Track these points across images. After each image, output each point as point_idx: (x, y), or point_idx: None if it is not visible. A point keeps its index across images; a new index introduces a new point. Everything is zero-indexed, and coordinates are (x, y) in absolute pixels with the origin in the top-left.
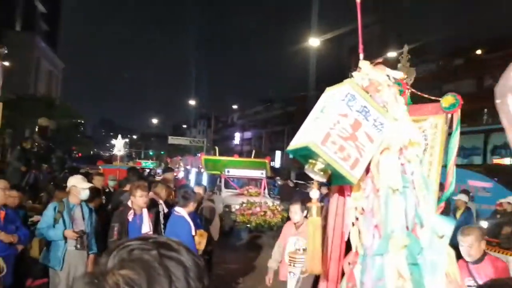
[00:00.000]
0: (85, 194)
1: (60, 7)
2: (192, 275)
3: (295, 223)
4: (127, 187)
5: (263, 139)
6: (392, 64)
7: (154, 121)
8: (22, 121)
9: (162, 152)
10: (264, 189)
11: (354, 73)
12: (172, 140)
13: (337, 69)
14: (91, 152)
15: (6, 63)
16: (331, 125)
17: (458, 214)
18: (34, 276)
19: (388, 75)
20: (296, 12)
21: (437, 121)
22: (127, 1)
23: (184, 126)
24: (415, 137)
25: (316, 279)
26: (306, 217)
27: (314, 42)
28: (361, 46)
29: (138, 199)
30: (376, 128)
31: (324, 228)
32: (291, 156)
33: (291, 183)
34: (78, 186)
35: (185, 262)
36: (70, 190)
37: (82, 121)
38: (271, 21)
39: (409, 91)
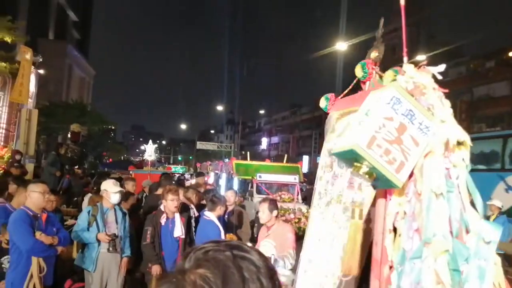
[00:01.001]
0: (115, 198)
1: (91, 15)
2: (263, 275)
3: (266, 225)
4: (159, 191)
5: (291, 144)
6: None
7: (183, 126)
8: (56, 127)
9: (190, 157)
10: (298, 194)
11: (398, 76)
12: (200, 145)
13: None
14: (122, 158)
15: (41, 71)
16: (376, 128)
17: (491, 220)
18: (77, 277)
19: (433, 76)
20: (324, 16)
21: None
22: (157, 7)
23: (212, 131)
24: (462, 140)
25: (360, 282)
26: (277, 216)
27: (341, 46)
28: (405, 49)
29: (169, 203)
30: (421, 132)
31: (367, 231)
32: (319, 160)
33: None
34: (109, 190)
35: (257, 262)
36: (102, 194)
37: (113, 127)
38: (299, 26)
39: (376, 73)
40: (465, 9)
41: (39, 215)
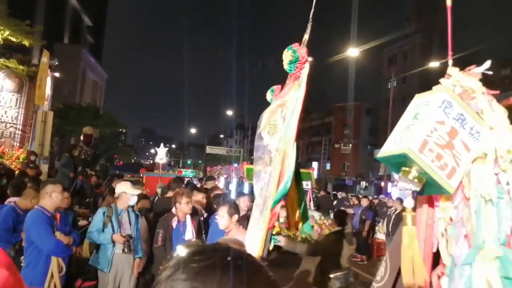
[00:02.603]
0: (134, 200)
1: (104, 20)
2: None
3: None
4: (169, 194)
5: (300, 150)
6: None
7: (192, 130)
8: (69, 129)
9: (200, 162)
10: (310, 201)
11: (442, 80)
12: (209, 149)
13: (376, 79)
14: (132, 160)
15: (57, 74)
16: (428, 132)
17: None
18: (85, 277)
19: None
20: (335, 21)
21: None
22: (168, 13)
23: (221, 136)
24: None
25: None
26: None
27: (352, 52)
28: (450, 52)
29: (183, 206)
30: (472, 137)
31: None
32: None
33: (329, 194)
34: (128, 192)
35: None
36: (120, 196)
37: (124, 130)
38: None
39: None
40: (480, 15)
41: (54, 215)
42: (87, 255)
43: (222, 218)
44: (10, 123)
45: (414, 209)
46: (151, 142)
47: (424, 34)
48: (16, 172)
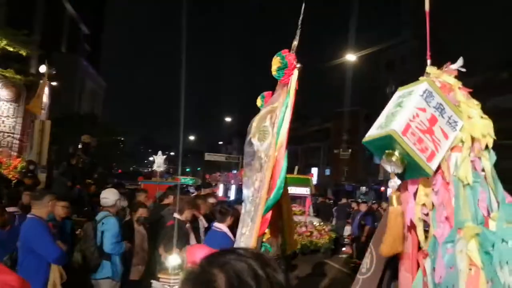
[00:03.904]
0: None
1: (102, 29)
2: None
3: None
4: (166, 201)
5: (299, 156)
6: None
7: (191, 138)
8: (67, 138)
9: (198, 168)
10: (309, 207)
11: (421, 78)
12: (208, 156)
13: (374, 84)
14: (131, 168)
15: (54, 83)
16: (410, 117)
17: None
18: None
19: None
20: (333, 28)
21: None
22: (167, 19)
23: (220, 142)
24: (487, 132)
25: (380, 280)
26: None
27: (351, 57)
28: (428, 53)
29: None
30: (450, 126)
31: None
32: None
33: (330, 200)
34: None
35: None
36: (115, 204)
37: (122, 138)
38: (307, 37)
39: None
40: (476, 18)
41: (48, 224)
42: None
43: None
44: (7, 132)
45: (398, 189)
46: (149, 150)
47: (421, 38)
48: (14, 181)
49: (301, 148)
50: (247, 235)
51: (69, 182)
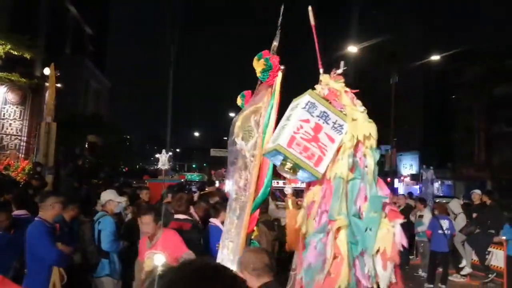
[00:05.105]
0: (120, 207)
1: (106, 29)
2: None
3: (148, 237)
4: (165, 200)
5: None
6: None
7: (196, 134)
8: (74, 139)
9: (204, 164)
10: None
11: (316, 86)
12: (214, 152)
13: (377, 75)
14: (137, 166)
15: (59, 85)
16: (294, 130)
17: None
18: None
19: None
20: (334, 19)
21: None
22: (171, 16)
23: (225, 138)
24: (369, 133)
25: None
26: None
27: (352, 49)
28: (320, 63)
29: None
30: (335, 130)
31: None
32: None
33: None
34: (115, 200)
35: None
36: (107, 204)
37: (128, 137)
38: (309, 29)
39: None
40: (479, 6)
41: (54, 226)
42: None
43: (147, 226)
44: (14, 135)
45: (292, 194)
46: (155, 147)
47: (423, 28)
48: (22, 183)
49: None
50: (234, 233)
51: (76, 183)
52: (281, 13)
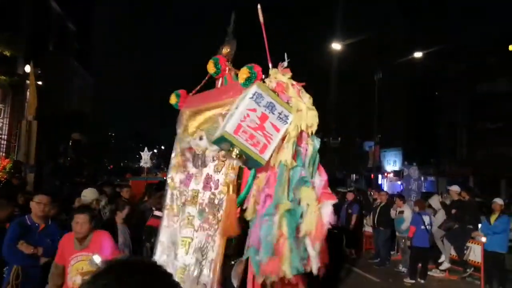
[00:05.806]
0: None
1: (91, 25)
2: None
3: (77, 237)
4: (146, 199)
5: None
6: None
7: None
8: (56, 137)
9: None
10: None
11: (266, 79)
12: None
13: (362, 70)
14: (121, 164)
15: (39, 82)
16: (241, 118)
17: (493, 218)
18: None
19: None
20: (318, 15)
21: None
22: (158, 12)
23: None
24: (311, 124)
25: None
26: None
27: (336, 46)
28: (269, 59)
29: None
30: (281, 120)
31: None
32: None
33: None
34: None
35: None
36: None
37: (113, 134)
38: (296, 22)
39: (232, 71)
40: (461, 3)
41: (37, 225)
42: None
43: (82, 227)
44: None
45: (233, 181)
46: (140, 145)
47: (407, 24)
48: (3, 181)
49: None
50: (206, 228)
51: (57, 181)
52: (232, 21)
